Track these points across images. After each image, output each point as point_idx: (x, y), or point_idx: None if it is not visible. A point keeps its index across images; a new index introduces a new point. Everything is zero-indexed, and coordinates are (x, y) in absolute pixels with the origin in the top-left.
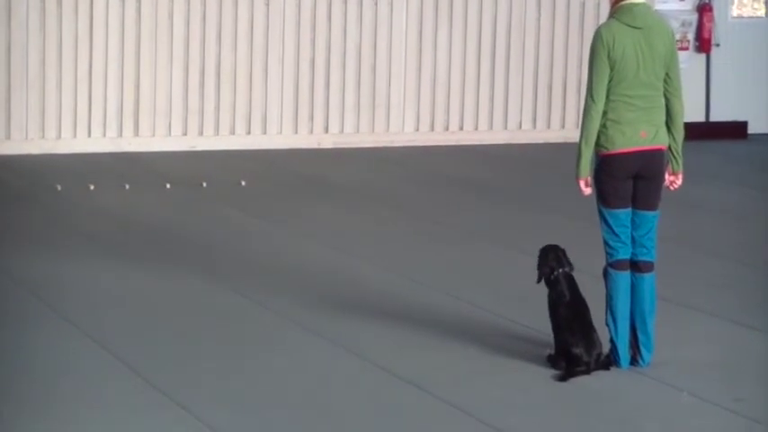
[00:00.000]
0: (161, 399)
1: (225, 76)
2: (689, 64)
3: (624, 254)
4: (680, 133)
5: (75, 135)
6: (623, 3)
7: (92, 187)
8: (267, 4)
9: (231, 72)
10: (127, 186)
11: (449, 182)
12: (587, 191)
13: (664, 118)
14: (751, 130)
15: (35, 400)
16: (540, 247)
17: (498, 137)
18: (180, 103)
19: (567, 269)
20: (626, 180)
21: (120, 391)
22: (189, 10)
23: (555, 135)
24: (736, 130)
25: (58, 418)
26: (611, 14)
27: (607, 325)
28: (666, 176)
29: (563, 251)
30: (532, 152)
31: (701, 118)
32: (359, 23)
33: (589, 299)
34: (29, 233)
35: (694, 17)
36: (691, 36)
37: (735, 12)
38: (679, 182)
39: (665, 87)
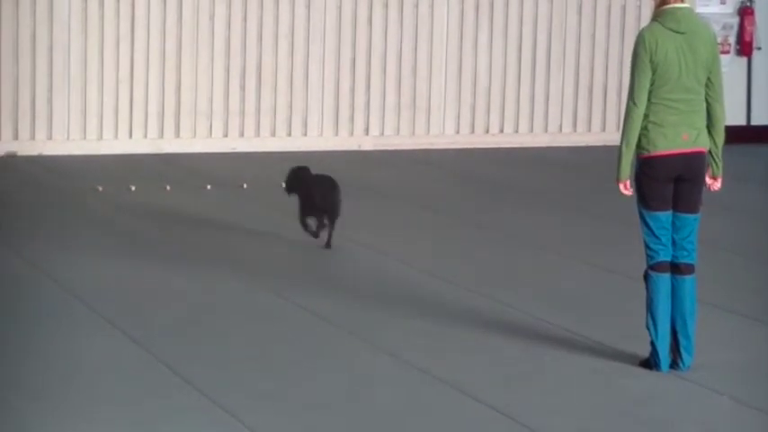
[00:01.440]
0: (200, 399)
1: (265, 77)
2: (730, 67)
3: (665, 256)
4: (720, 137)
5: (116, 136)
6: (667, 6)
7: (133, 188)
8: (308, 6)
9: (272, 74)
10: (168, 187)
11: (488, 184)
12: (628, 193)
13: (705, 122)
14: None
15: (74, 400)
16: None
17: (539, 140)
18: (221, 104)
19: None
20: (667, 182)
21: (159, 390)
22: (230, 12)
23: (595, 138)
24: None
25: (96, 418)
26: (655, 18)
27: (647, 328)
28: (707, 179)
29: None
30: (573, 155)
31: (742, 121)
32: (399, 25)
33: (629, 301)
34: (69, 233)
35: (735, 20)
36: (732, 39)
37: None
38: (718, 185)
39: (706, 92)
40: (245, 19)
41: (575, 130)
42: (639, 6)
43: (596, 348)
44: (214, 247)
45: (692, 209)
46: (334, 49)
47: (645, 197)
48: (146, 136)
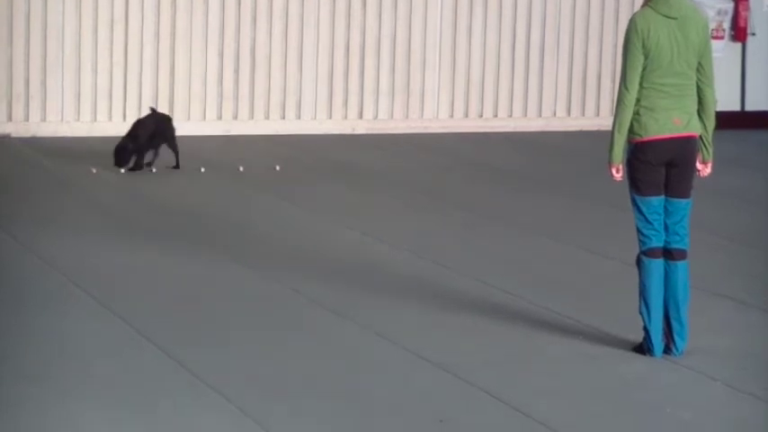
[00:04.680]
0: (193, 382)
1: (260, 61)
2: (724, 53)
3: (657, 241)
4: (711, 122)
5: (110, 118)
6: None
7: (125, 171)
8: None
9: (266, 57)
10: (154, 170)
11: (482, 169)
12: (619, 177)
13: (696, 106)
14: None
15: (69, 383)
16: None
17: (533, 124)
18: (215, 87)
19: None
20: (659, 167)
21: (152, 373)
22: None
23: (589, 123)
24: None
25: (89, 399)
26: (646, 3)
27: (640, 313)
28: (697, 164)
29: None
30: (567, 140)
31: (736, 107)
32: (394, 9)
33: (623, 286)
34: (64, 216)
35: (730, 6)
36: (726, 25)
37: None
38: (708, 170)
39: (697, 76)
40: (239, 2)
41: (569, 115)
42: None
43: (590, 333)
44: (209, 231)
45: (684, 194)
46: (329, 33)
47: (637, 182)
48: None
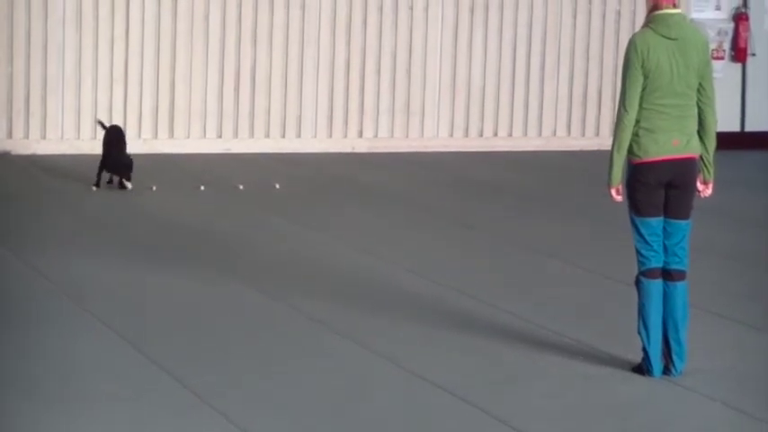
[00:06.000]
0: (194, 400)
1: (260, 79)
2: (724, 73)
3: (656, 262)
4: (712, 143)
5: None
6: (658, 12)
7: (129, 187)
8: (302, 8)
9: (266, 75)
10: (154, 188)
11: (482, 188)
12: (619, 198)
13: (696, 127)
14: None
15: (68, 401)
16: None
17: (532, 143)
18: (215, 105)
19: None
20: (658, 188)
21: (153, 392)
22: (225, 12)
23: (589, 142)
24: None
25: (87, 417)
26: (646, 23)
27: (639, 333)
28: (698, 185)
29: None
30: (566, 159)
31: (736, 128)
32: (394, 28)
33: (623, 306)
34: (62, 233)
35: (730, 26)
36: (726, 45)
37: None
38: (710, 191)
39: (698, 97)
40: (239, 20)
41: (569, 134)
42: (634, 11)
43: (589, 353)
44: (208, 249)
45: (684, 215)
46: (329, 51)
47: (636, 203)
48: (140, 136)
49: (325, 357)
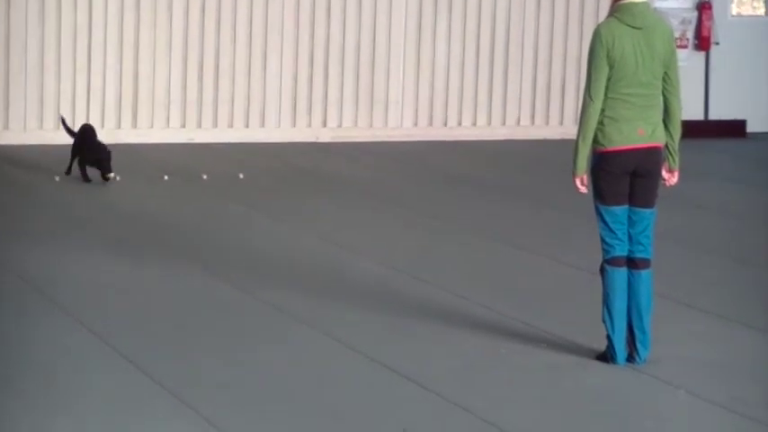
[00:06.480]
0: (160, 391)
1: (223, 68)
2: (688, 62)
3: (621, 251)
4: (677, 131)
5: (73, 126)
6: (623, 2)
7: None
8: None
9: (230, 64)
10: (117, 178)
11: (446, 177)
12: (583, 188)
13: (661, 116)
14: (750, 128)
15: (35, 393)
16: None
17: (497, 133)
18: (178, 94)
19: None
20: (623, 177)
21: (119, 383)
22: (188, 2)
23: (553, 132)
24: (735, 128)
25: (57, 411)
26: (611, 13)
27: (604, 321)
28: (663, 173)
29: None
30: (530, 148)
31: (699, 116)
32: (358, 18)
33: (587, 295)
34: (27, 225)
35: (694, 15)
36: (690, 34)
37: (734, 10)
38: (675, 179)
39: (663, 86)
40: (203, 9)
41: (533, 124)
42: (598, 1)
43: (554, 341)
44: (173, 239)
45: (648, 203)
46: (293, 41)
47: (601, 192)
48: (103, 126)
49: (291, 347)
